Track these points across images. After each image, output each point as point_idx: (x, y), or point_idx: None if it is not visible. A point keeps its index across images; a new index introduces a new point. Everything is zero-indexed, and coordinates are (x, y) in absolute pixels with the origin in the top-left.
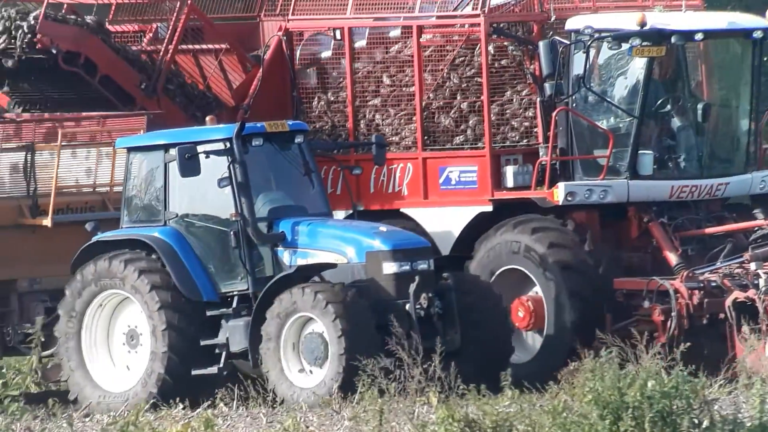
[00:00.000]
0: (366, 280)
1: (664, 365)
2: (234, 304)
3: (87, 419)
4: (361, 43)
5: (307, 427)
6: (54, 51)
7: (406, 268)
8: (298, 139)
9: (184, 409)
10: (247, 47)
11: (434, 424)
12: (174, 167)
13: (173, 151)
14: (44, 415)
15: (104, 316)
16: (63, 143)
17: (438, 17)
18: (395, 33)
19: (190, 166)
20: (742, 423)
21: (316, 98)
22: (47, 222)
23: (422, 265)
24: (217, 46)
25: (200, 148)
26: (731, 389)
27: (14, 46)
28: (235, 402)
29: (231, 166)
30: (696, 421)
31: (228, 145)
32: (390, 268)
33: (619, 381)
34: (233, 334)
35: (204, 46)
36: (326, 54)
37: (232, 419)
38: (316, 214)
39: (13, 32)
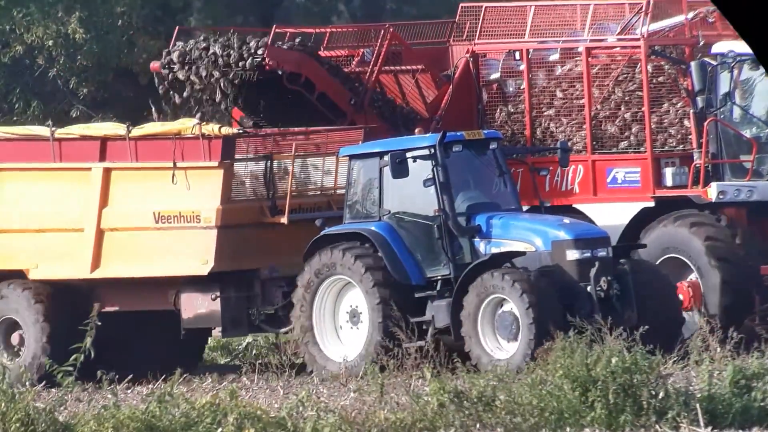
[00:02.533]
0: (552, 266)
1: (626, 345)
2: (438, 287)
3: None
4: (555, 57)
5: (319, 398)
6: (279, 72)
7: (588, 255)
8: (493, 146)
9: (212, 382)
10: (439, 67)
11: (427, 395)
12: (387, 171)
13: (386, 158)
14: (92, 387)
15: (331, 298)
16: (296, 153)
17: (601, 40)
18: (555, 56)
19: (400, 169)
20: (693, 394)
21: (498, 110)
22: (284, 220)
23: (601, 253)
24: (413, 67)
25: (409, 154)
26: (683, 365)
27: (243, 69)
28: (256, 376)
29: (435, 169)
30: (653, 392)
31: (432, 151)
32: (573, 255)
33: (587, 358)
34: (438, 312)
35: (403, 67)
36: (495, 75)
37: (254, 391)
38: (508, 209)
39: (245, 57)
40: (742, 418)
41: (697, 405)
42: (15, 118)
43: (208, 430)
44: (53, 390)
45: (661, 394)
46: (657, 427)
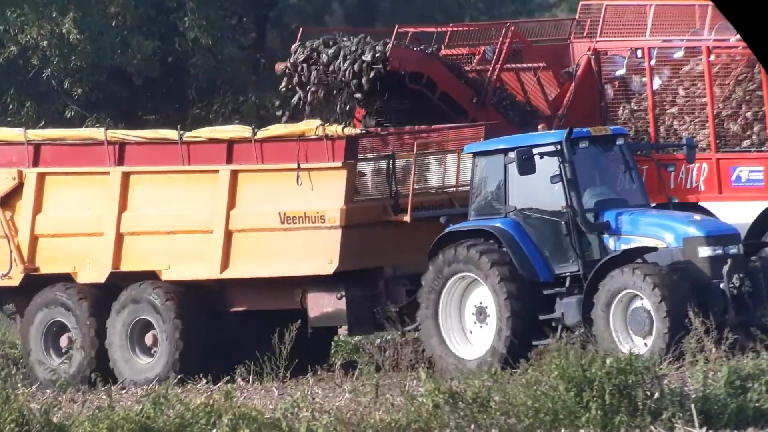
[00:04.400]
0: (683, 262)
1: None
2: (567, 284)
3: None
4: (678, 54)
5: (314, 398)
6: (402, 72)
7: (719, 252)
8: (619, 141)
9: (207, 383)
10: (560, 65)
11: (422, 395)
12: (513, 167)
13: (512, 154)
14: (86, 389)
15: (456, 295)
16: (417, 152)
17: (722, 40)
18: (680, 54)
19: (527, 165)
20: (688, 395)
21: (621, 107)
22: (407, 218)
23: (733, 250)
24: (535, 65)
25: (535, 151)
26: (678, 366)
27: (365, 71)
28: (251, 377)
29: (561, 165)
30: (648, 393)
31: (559, 147)
32: (705, 252)
33: (582, 359)
34: (567, 309)
35: (524, 65)
36: (621, 72)
37: (249, 392)
38: (636, 205)
39: (365, 58)
40: (737, 418)
41: (692, 405)
42: (9, 119)
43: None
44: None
45: (656, 395)
46: (652, 427)
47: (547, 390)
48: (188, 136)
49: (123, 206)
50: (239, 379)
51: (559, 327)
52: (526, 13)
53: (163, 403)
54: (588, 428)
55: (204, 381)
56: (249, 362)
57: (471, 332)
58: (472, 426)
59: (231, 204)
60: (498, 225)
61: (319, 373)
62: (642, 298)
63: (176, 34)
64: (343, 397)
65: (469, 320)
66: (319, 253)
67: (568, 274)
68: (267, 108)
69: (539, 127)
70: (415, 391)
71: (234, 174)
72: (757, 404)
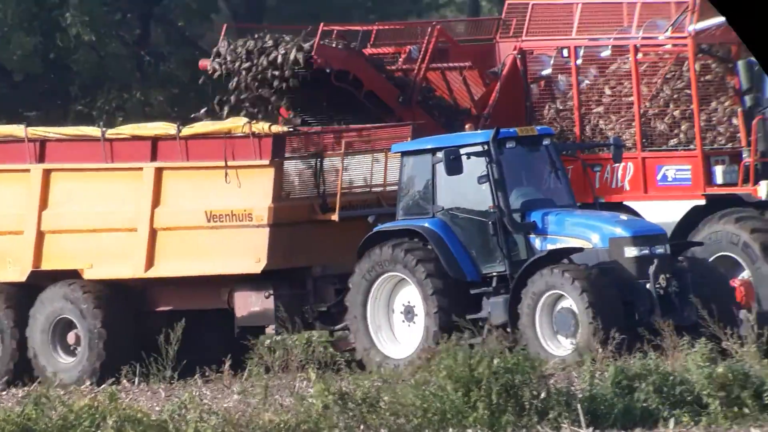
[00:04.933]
0: (609, 262)
1: (507, 345)
2: (493, 284)
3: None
4: (605, 53)
5: (201, 400)
6: (327, 70)
7: (646, 252)
8: (545, 141)
9: (90, 385)
10: (486, 64)
11: (312, 396)
12: (440, 167)
13: (440, 154)
14: None
15: (384, 295)
16: (345, 151)
17: (650, 38)
18: (607, 53)
19: (454, 166)
20: (574, 395)
21: (546, 107)
22: (335, 217)
23: (659, 250)
24: (460, 64)
25: (462, 151)
26: (565, 366)
27: (290, 69)
28: (137, 378)
29: (489, 165)
30: (535, 392)
31: (486, 147)
32: (631, 252)
33: (470, 359)
34: (494, 309)
35: (450, 64)
36: (546, 71)
37: (134, 393)
38: (563, 205)
39: (291, 57)
40: (624, 418)
41: (579, 405)
42: None
43: None
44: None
45: (543, 395)
46: (539, 427)
47: (436, 390)
48: (111, 132)
49: (44, 204)
50: (124, 381)
51: (486, 326)
52: (416, 12)
53: (45, 404)
54: (475, 428)
55: (88, 383)
56: (135, 363)
57: (399, 331)
58: (362, 426)
59: (156, 202)
60: (425, 225)
61: (207, 374)
62: (567, 299)
63: (58, 30)
64: (232, 399)
65: (398, 319)
66: (246, 251)
67: (494, 273)
68: (152, 105)
69: (466, 127)
70: (305, 392)
71: (159, 171)
72: (644, 404)
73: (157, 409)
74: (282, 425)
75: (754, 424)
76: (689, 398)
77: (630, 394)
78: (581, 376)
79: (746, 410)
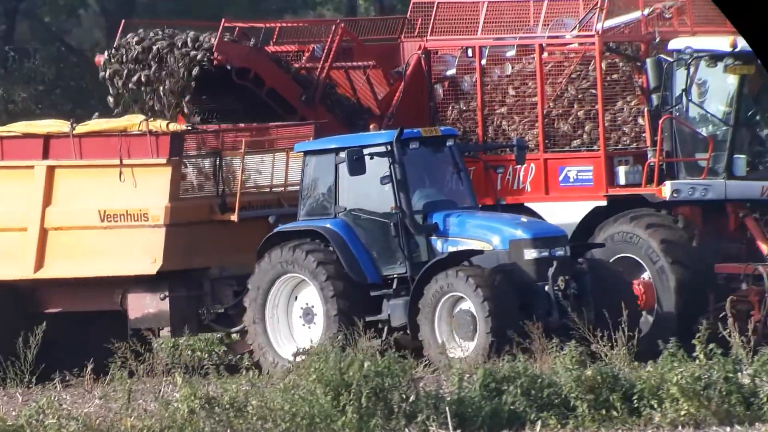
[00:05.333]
0: (509, 264)
1: (379, 348)
2: (394, 286)
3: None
4: (511, 53)
5: (61, 405)
6: (228, 67)
7: (545, 254)
8: (449, 143)
9: None
10: (391, 64)
11: (177, 401)
12: (343, 167)
13: (343, 154)
14: None
15: (284, 296)
16: (245, 150)
17: (556, 37)
18: (512, 53)
19: (357, 166)
20: (443, 398)
21: (449, 107)
22: (234, 217)
23: (559, 252)
24: (364, 63)
25: (366, 151)
26: (434, 369)
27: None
28: None
29: (392, 166)
30: (404, 396)
31: (389, 148)
32: (531, 254)
33: (341, 362)
34: (394, 311)
35: (354, 63)
36: (451, 71)
37: None
38: (465, 207)
39: (191, 52)
40: (492, 421)
41: (447, 408)
42: None
43: None
44: None
45: (412, 398)
46: (407, 430)
47: (305, 394)
48: (1, 130)
49: None
50: None
51: (386, 329)
52: (291, 10)
53: None
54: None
55: None
56: (64, 366)
57: (298, 333)
58: (228, 431)
59: (47, 201)
60: (327, 225)
61: (68, 378)
62: (466, 300)
63: None
64: (93, 403)
65: (297, 321)
66: (142, 252)
67: (395, 275)
68: (16, 102)
69: (370, 127)
70: (171, 397)
71: (51, 170)
72: (512, 407)
73: (13, 414)
74: (145, 431)
75: (622, 427)
76: (557, 401)
77: (498, 396)
78: (450, 379)
79: (614, 413)
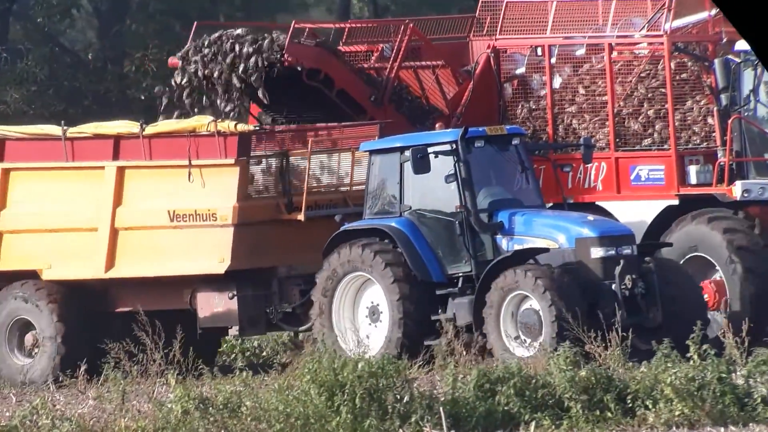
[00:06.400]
0: (575, 263)
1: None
2: (459, 284)
3: None
4: (580, 52)
5: (54, 405)
6: (299, 69)
7: (612, 252)
8: (515, 141)
9: (45, 384)
10: (459, 63)
11: (171, 402)
12: (408, 166)
13: (407, 153)
14: None
15: (350, 295)
16: (311, 150)
17: (626, 36)
18: (581, 51)
19: (421, 164)
20: (437, 398)
21: (519, 106)
22: (300, 217)
23: (626, 251)
24: (433, 63)
25: (430, 150)
26: (428, 369)
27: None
28: None
29: (456, 164)
30: (398, 396)
31: (454, 146)
32: (597, 252)
33: (335, 363)
34: (459, 309)
35: (423, 63)
36: (520, 70)
37: None
38: (531, 205)
39: (264, 54)
40: (486, 421)
41: (441, 408)
42: None
43: None
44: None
45: (406, 398)
46: (401, 430)
47: (299, 395)
48: (72, 132)
49: (2, 204)
50: None
51: (451, 327)
52: (287, 10)
53: None
54: None
55: None
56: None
57: (364, 332)
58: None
59: (117, 201)
60: (392, 224)
61: (61, 379)
62: (532, 299)
63: None
64: (87, 404)
65: (363, 320)
66: (210, 251)
67: (460, 274)
68: (8, 103)
69: (437, 126)
70: (164, 398)
71: (121, 170)
72: (506, 407)
73: (7, 414)
74: (139, 431)
75: (617, 427)
76: (551, 401)
77: (492, 397)
78: (444, 380)
79: (609, 414)
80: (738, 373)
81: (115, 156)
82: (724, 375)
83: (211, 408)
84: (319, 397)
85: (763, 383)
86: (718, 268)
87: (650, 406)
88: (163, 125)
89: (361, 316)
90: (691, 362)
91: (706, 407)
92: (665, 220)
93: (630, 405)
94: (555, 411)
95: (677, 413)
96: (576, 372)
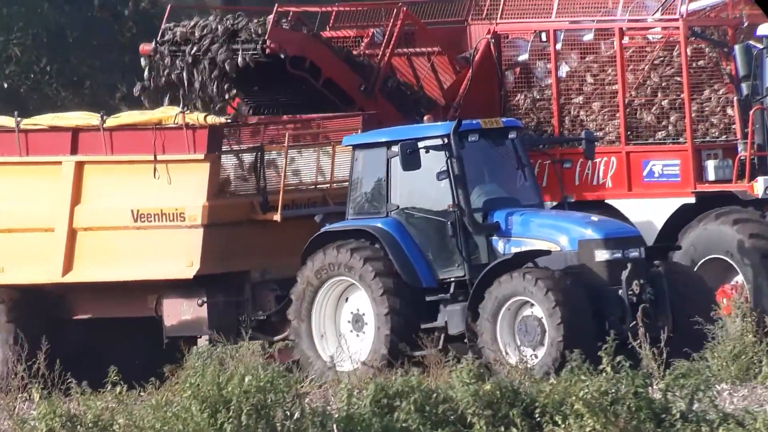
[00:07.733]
0: (578, 266)
1: (261, 362)
2: (451, 290)
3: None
4: (588, 37)
5: None
6: (282, 56)
7: (618, 256)
8: (512, 135)
9: None
10: (457, 49)
11: (35, 419)
12: (396, 162)
13: (395, 148)
14: None
15: (332, 301)
16: (288, 144)
17: (639, 20)
18: (589, 36)
19: (411, 160)
20: (330, 414)
21: (522, 96)
22: (277, 217)
23: (633, 253)
24: (429, 49)
25: (420, 144)
26: (321, 383)
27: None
28: None
29: (449, 160)
30: (288, 413)
31: (446, 140)
32: (602, 255)
33: (219, 377)
34: (451, 317)
35: (417, 49)
36: (523, 57)
37: None
38: (529, 205)
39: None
40: None
41: (334, 426)
42: None
43: None
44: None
45: (297, 415)
46: None
47: (179, 411)
48: (26, 123)
49: None
50: None
51: (442, 337)
52: None
53: None
54: None
55: None
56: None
57: (346, 340)
58: None
59: (76, 199)
60: (378, 225)
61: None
62: (533, 305)
63: None
64: None
65: (345, 328)
66: (177, 254)
67: (452, 279)
68: None
69: (425, 118)
70: (28, 414)
71: (79, 166)
72: (404, 424)
73: None
74: None
75: None
76: (452, 417)
77: (390, 413)
78: (338, 395)
79: (514, 430)
80: (655, 386)
81: (74, 150)
82: (640, 389)
83: (79, 426)
84: (201, 413)
85: (682, 398)
86: (738, 271)
87: (559, 422)
88: (125, 117)
89: (344, 324)
90: (604, 375)
91: (620, 423)
92: (680, 219)
93: (538, 420)
94: (457, 427)
95: (588, 429)
96: (480, 385)
